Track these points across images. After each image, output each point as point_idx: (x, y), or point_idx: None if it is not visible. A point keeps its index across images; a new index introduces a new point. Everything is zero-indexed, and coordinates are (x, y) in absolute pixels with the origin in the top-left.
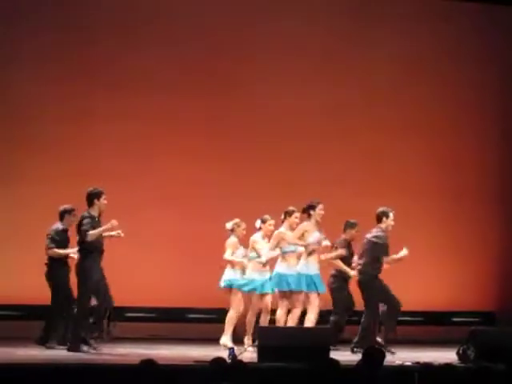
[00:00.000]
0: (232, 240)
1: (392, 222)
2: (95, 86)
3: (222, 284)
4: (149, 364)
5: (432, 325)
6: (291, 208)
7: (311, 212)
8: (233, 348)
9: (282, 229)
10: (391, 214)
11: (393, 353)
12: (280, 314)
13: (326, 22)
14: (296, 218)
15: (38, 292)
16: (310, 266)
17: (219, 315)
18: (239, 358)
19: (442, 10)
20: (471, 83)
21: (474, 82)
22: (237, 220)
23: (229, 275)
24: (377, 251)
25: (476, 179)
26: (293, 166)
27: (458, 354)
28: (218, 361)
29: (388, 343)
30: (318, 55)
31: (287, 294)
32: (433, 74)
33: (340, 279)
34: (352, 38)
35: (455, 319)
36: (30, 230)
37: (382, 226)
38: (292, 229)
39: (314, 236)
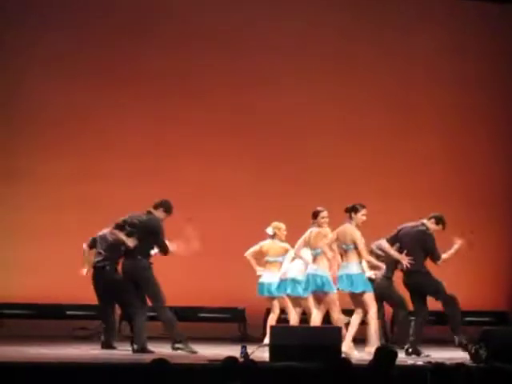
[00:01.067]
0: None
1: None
2: (97, 84)
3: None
4: (160, 363)
5: (444, 324)
6: (318, 208)
7: (353, 215)
8: (245, 347)
9: (315, 229)
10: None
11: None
12: (314, 315)
13: (333, 21)
14: (322, 217)
15: (52, 291)
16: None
17: (231, 314)
18: (251, 357)
19: (453, 9)
20: (482, 81)
21: (485, 81)
22: (275, 223)
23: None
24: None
25: (489, 179)
26: (302, 166)
27: (470, 353)
28: (231, 360)
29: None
30: (327, 55)
31: (320, 296)
32: (444, 73)
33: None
34: (360, 36)
35: (468, 319)
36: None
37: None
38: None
39: None
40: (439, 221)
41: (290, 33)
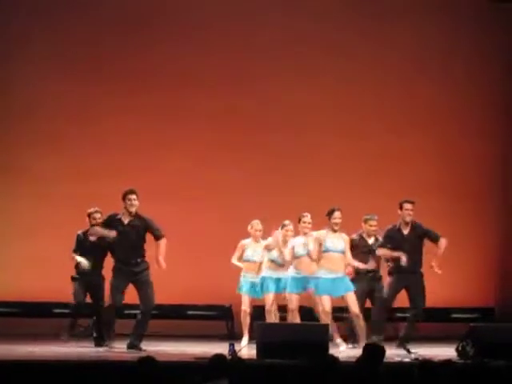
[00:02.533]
0: (241, 242)
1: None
2: (93, 81)
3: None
4: (147, 361)
5: (431, 321)
6: (303, 214)
7: (328, 220)
8: (233, 344)
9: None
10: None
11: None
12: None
13: (336, 17)
14: (304, 222)
15: (39, 289)
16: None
17: (219, 312)
18: (239, 354)
19: (452, 6)
20: (478, 81)
21: (481, 80)
22: (253, 222)
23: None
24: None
25: (477, 177)
26: (296, 164)
27: (457, 350)
28: (218, 357)
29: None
30: (328, 51)
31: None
32: (441, 71)
33: None
34: (363, 33)
35: (455, 315)
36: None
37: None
38: (303, 233)
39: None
40: (400, 205)
41: (290, 28)
